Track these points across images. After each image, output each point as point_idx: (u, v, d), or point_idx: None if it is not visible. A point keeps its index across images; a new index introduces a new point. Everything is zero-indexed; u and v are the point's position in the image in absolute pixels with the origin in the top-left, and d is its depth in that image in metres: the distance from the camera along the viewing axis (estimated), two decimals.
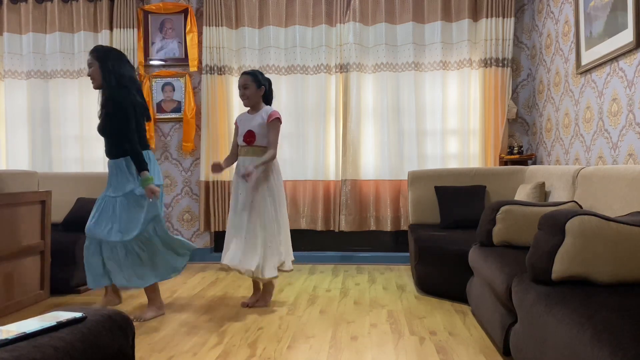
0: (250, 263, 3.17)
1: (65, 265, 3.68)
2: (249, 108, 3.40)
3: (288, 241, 3.42)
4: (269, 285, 3.38)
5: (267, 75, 4.75)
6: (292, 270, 3.39)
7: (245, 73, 3.34)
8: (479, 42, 4.63)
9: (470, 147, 4.71)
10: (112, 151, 3.09)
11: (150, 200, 3.04)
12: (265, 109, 3.34)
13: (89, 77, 3.09)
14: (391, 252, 4.91)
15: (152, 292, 3.15)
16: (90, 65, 3.07)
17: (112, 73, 3.02)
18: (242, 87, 3.32)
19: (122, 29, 4.91)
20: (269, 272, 3.21)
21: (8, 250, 3.22)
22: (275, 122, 3.30)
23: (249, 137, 3.29)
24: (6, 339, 1.16)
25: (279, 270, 3.29)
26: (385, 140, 4.76)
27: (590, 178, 2.84)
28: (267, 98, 3.43)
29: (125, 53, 4.88)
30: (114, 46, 4.90)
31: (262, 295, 3.38)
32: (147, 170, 3.01)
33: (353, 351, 2.53)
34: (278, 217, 3.30)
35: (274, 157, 3.31)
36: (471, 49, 4.68)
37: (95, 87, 3.10)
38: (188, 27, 4.91)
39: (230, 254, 3.21)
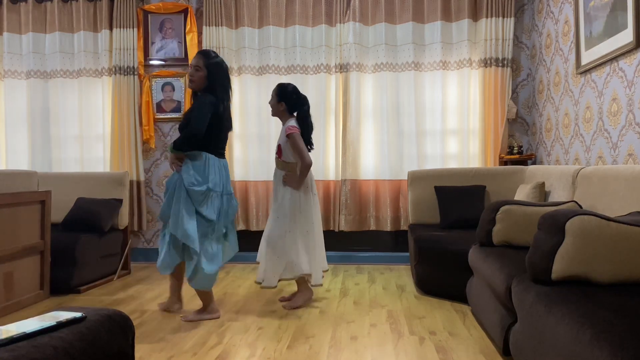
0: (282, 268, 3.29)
1: (65, 265, 3.68)
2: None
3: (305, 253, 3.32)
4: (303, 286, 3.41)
5: (267, 75, 4.81)
6: (320, 284, 3.38)
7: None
8: (478, 42, 4.63)
9: (470, 147, 4.71)
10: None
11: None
12: (286, 124, 3.34)
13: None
14: (391, 252, 4.91)
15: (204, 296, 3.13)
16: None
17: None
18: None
19: (122, 29, 4.91)
20: (268, 281, 3.28)
21: (8, 250, 3.22)
22: (291, 137, 3.27)
23: (278, 151, 3.37)
24: (6, 339, 1.16)
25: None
26: (385, 140, 4.76)
27: (590, 178, 2.83)
28: (294, 107, 3.39)
29: (125, 53, 4.91)
30: (114, 46, 4.91)
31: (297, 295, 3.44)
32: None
33: (353, 351, 2.53)
34: (293, 229, 3.27)
35: (307, 166, 3.26)
36: (471, 48, 4.68)
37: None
38: (188, 27, 4.91)
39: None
